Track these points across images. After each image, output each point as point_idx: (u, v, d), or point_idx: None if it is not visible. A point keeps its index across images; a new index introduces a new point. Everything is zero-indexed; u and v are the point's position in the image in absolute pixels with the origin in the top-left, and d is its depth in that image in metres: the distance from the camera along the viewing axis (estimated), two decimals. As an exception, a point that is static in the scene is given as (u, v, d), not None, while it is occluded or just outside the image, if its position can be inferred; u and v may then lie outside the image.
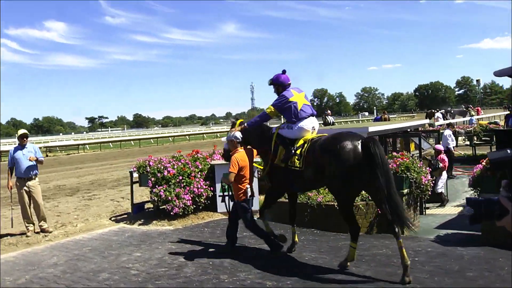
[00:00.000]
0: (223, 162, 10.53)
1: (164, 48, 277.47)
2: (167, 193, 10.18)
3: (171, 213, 10.14)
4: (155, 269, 7.21)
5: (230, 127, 8.55)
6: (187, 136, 59.79)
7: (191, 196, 10.30)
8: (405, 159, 9.72)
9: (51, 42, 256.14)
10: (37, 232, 10.12)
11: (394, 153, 10.25)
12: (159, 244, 8.62)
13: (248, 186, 7.80)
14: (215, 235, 9.08)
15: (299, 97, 7.82)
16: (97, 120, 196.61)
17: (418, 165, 9.86)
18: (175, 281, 6.61)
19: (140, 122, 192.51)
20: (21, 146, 10.22)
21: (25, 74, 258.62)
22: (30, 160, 10.04)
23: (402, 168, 9.48)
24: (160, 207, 10.68)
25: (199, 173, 10.69)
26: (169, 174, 10.40)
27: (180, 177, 10.38)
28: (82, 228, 10.48)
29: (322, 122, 26.61)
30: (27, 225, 10.12)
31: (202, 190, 10.43)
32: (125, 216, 11.45)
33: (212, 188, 10.68)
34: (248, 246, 8.32)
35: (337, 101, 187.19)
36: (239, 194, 7.77)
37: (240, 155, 7.74)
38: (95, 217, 11.74)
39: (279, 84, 8.01)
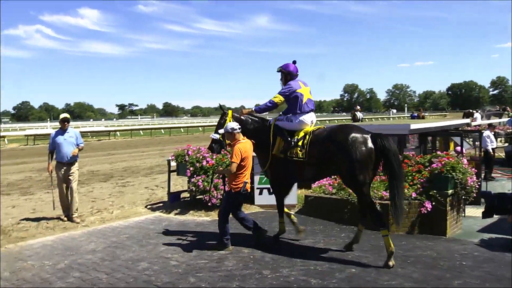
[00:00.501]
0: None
1: (195, 38, 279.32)
2: (205, 184, 10.07)
3: (209, 203, 10.05)
4: (195, 260, 7.09)
5: (220, 119, 8.30)
6: (217, 127, 59.49)
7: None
8: (450, 159, 9.42)
9: (84, 29, 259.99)
10: (68, 220, 10.04)
11: (439, 152, 9.95)
12: (196, 234, 8.51)
13: (247, 181, 7.65)
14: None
15: (305, 90, 7.91)
16: (127, 107, 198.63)
17: (464, 165, 9.55)
18: (216, 274, 6.47)
19: (169, 111, 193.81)
20: (62, 131, 10.14)
21: (58, 60, 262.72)
22: (73, 155, 9.98)
23: (448, 168, 9.17)
24: (197, 197, 10.58)
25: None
26: (207, 165, 10.28)
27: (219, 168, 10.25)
28: (118, 215, 10.43)
29: (351, 118, 26.26)
30: (64, 210, 10.10)
31: (240, 181, 10.27)
32: (161, 204, 11.40)
33: (250, 180, 10.49)
34: (289, 241, 8.14)
35: (368, 97, 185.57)
36: (234, 184, 7.56)
37: (242, 145, 7.56)
38: (130, 205, 11.70)
39: (288, 73, 8.04)
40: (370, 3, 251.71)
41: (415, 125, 11.72)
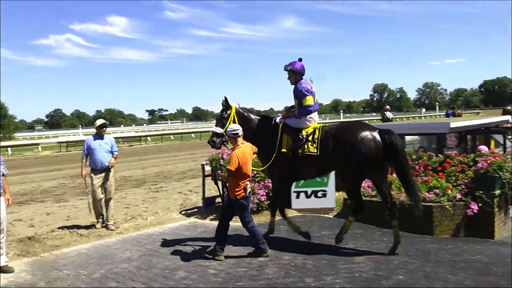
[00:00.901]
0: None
1: (223, 42, 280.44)
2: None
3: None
4: (234, 268, 6.83)
5: (223, 112, 8.09)
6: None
7: (266, 191, 9.90)
8: (496, 157, 9.01)
9: (113, 37, 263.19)
10: (102, 227, 9.88)
11: (484, 151, 9.54)
12: (234, 241, 8.22)
13: (248, 183, 7.31)
14: (292, 233, 8.63)
15: (314, 90, 7.92)
16: (157, 112, 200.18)
17: (510, 164, 9.12)
18: (257, 283, 6.20)
19: (199, 115, 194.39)
20: (99, 136, 9.90)
21: (88, 67, 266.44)
22: (111, 166, 9.82)
23: (494, 167, 8.77)
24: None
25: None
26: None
27: (255, 172, 9.98)
28: (152, 222, 10.25)
29: (381, 118, 25.79)
30: (97, 217, 9.95)
31: (278, 186, 9.99)
32: (195, 210, 11.19)
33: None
34: (330, 246, 7.82)
35: (398, 96, 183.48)
36: (237, 191, 7.23)
37: (241, 151, 7.24)
38: (164, 210, 11.52)
39: (298, 72, 7.97)
40: (398, 2, 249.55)
41: (455, 123, 11.37)
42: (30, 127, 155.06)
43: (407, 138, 12.86)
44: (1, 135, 58.87)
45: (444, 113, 39.51)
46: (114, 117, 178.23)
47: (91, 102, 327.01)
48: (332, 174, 9.98)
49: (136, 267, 7.15)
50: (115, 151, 10.03)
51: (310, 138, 7.67)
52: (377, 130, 7.50)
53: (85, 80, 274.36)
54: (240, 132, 7.33)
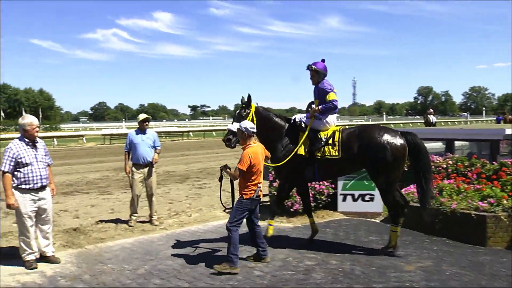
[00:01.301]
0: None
1: (265, 40, 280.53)
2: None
3: (291, 209, 9.61)
4: (280, 271, 6.67)
5: (242, 110, 7.93)
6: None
7: (312, 193, 9.69)
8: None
9: (158, 32, 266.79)
10: (147, 222, 9.84)
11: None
12: (279, 242, 8.07)
13: (260, 184, 7.01)
14: (339, 236, 8.44)
15: (336, 91, 7.88)
16: (199, 108, 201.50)
17: None
18: (305, 288, 6.03)
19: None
20: (141, 131, 9.80)
21: (133, 62, 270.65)
22: (154, 162, 9.75)
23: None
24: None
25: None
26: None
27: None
28: (196, 219, 10.17)
29: (424, 121, 25.21)
30: (132, 214, 9.85)
31: (324, 187, 9.79)
32: (240, 209, 11.01)
33: (333, 185, 10.02)
34: (376, 250, 7.59)
35: (443, 100, 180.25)
36: (245, 191, 6.93)
37: (253, 150, 6.92)
38: (208, 208, 11.43)
39: (322, 72, 7.90)
40: (445, 2, 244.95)
41: (510, 129, 10.93)
42: (75, 118, 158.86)
43: (456, 143, 12.45)
44: (47, 125, 60.25)
45: (494, 119, 38.51)
46: (157, 112, 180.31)
47: (134, 96, 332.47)
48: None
49: (180, 265, 7.07)
50: (158, 146, 9.91)
51: (330, 141, 7.58)
52: (399, 133, 7.60)
53: (130, 74, 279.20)
54: (253, 131, 7.04)
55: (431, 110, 27.54)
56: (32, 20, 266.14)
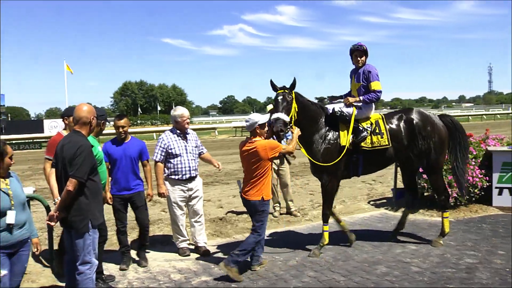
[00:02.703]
0: (502, 148, 9.26)
1: (392, 28, 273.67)
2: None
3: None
4: (439, 268, 6.30)
5: (283, 100, 6.79)
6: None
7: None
8: None
9: (282, 25, 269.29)
10: (286, 213, 9.81)
11: None
12: (432, 237, 7.65)
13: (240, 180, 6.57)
14: (498, 233, 7.83)
15: None
16: (325, 100, 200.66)
17: None
18: (470, 288, 5.63)
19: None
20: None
21: (259, 56, 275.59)
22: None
23: None
24: (425, 195, 9.70)
25: (473, 160, 9.30)
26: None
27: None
28: (341, 211, 9.94)
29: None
30: (274, 205, 9.79)
31: (477, 179, 9.17)
32: (384, 201, 10.71)
33: (487, 178, 9.32)
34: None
35: None
36: (267, 192, 6.37)
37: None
38: (351, 199, 11.17)
39: (368, 54, 7.42)
40: None
41: None
42: (205, 112, 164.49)
43: None
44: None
45: None
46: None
47: (261, 88, 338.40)
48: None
49: (332, 257, 6.95)
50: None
51: (377, 130, 7.07)
52: (435, 115, 7.56)
53: (256, 67, 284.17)
54: (266, 123, 6.55)
55: None
56: (162, 20, 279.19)
